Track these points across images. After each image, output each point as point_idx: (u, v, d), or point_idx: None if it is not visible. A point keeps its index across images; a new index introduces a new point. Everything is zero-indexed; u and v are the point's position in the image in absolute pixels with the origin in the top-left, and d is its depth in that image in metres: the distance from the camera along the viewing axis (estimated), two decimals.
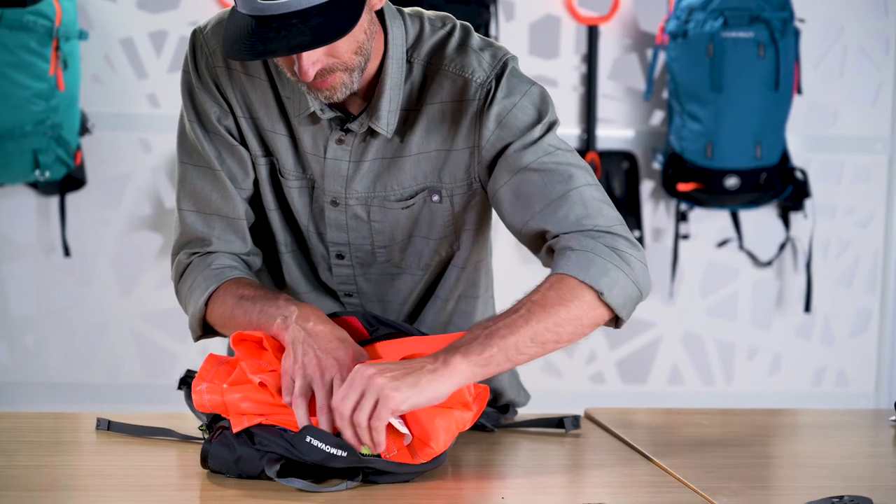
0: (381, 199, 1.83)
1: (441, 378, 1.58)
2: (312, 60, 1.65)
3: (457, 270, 1.92)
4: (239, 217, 1.86)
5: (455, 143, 1.79)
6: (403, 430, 1.60)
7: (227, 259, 1.86)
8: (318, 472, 1.59)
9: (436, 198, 1.82)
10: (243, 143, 1.85)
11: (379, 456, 1.59)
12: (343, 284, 1.92)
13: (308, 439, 1.57)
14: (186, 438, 1.81)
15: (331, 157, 1.81)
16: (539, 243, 1.78)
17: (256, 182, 1.88)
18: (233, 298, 1.78)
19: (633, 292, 1.73)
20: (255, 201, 1.90)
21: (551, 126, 1.80)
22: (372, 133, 1.79)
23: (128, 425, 1.86)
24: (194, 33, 1.83)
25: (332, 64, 1.67)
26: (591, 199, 1.75)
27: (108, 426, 1.86)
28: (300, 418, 1.61)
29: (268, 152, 1.85)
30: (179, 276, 1.88)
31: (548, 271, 1.73)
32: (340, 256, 1.89)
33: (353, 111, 1.80)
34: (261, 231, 1.92)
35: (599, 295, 1.68)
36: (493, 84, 1.77)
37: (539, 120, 1.78)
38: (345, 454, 1.56)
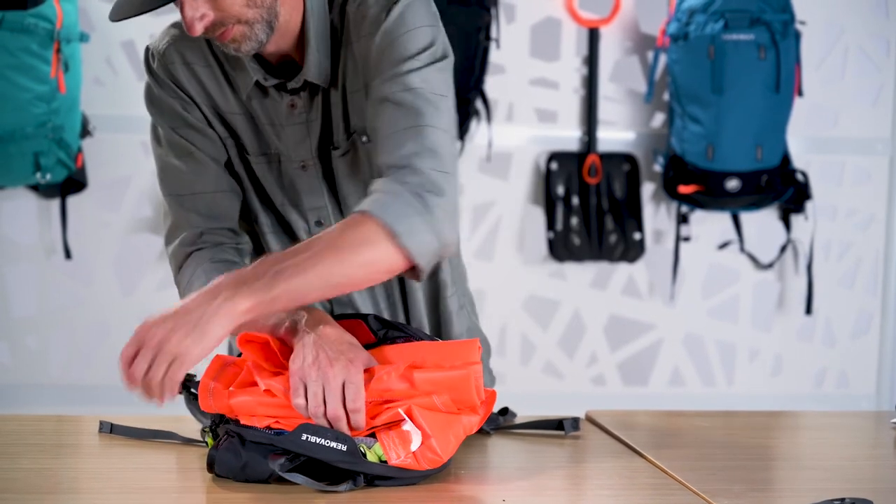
0: (335, 149, 1.86)
1: (224, 317, 1.56)
2: (197, 16, 1.69)
3: None
4: (223, 189, 1.88)
5: (365, 80, 1.79)
6: (417, 434, 1.60)
7: (227, 253, 1.86)
8: (322, 475, 1.59)
9: (364, 139, 1.83)
10: (211, 129, 1.89)
11: (385, 462, 1.59)
12: None
13: (304, 437, 1.57)
14: (189, 441, 1.81)
15: (288, 123, 1.85)
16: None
17: (232, 164, 1.91)
18: None
19: (431, 242, 1.65)
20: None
21: (431, 63, 1.73)
22: (314, 89, 1.82)
23: (130, 428, 1.86)
24: (146, 49, 1.92)
25: (221, 17, 1.71)
26: (428, 137, 1.68)
27: (110, 429, 1.87)
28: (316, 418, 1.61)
29: (232, 135, 1.89)
30: (178, 267, 1.88)
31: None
32: (320, 223, 1.91)
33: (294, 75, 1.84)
34: (244, 216, 1.96)
35: (396, 239, 1.62)
36: (384, 16, 1.75)
37: (416, 56, 1.72)
38: (344, 447, 1.56)
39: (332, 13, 1.82)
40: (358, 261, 1.62)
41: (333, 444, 1.57)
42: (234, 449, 1.60)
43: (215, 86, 1.87)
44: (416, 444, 1.60)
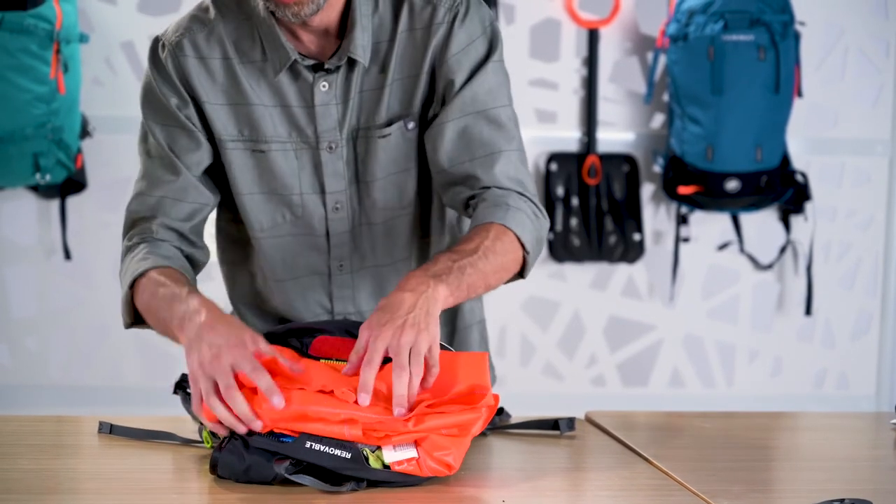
0: (364, 131, 1.89)
1: (438, 301, 1.66)
2: None
3: (438, 213, 1.98)
4: (184, 199, 1.89)
5: (423, 68, 1.87)
6: (412, 453, 1.61)
7: (164, 248, 1.87)
8: (325, 475, 1.59)
9: (411, 125, 1.89)
10: (207, 129, 1.90)
11: (388, 467, 1.59)
12: (338, 247, 1.94)
13: (308, 444, 1.57)
14: (188, 442, 1.81)
15: (319, 103, 1.87)
16: (459, 186, 1.86)
17: (215, 170, 1.92)
18: (151, 288, 1.79)
19: (538, 255, 1.87)
20: (227, 197, 1.95)
21: (502, 68, 1.90)
22: (351, 69, 1.86)
23: (130, 429, 1.86)
24: (155, 39, 1.91)
25: None
26: (520, 163, 1.89)
27: (110, 430, 1.87)
28: (222, 416, 1.60)
29: (247, 128, 1.89)
30: (121, 261, 1.90)
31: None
32: (337, 209, 1.92)
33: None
34: (231, 232, 1.99)
35: (525, 255, 1.82)
36: (461, 9, 1.87)
37: (489, 55, 1.87)
38: (349, 455, 1.57)
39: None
40: (505, 266, 1.79)
41: (337, 452, 1.57)
42: (237, 451, 1.60)
43: (231, 79, 1.87)
44: (418, 454, 1.60)
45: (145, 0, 3.65)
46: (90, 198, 3.64)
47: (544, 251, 3.80)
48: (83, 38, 3.49)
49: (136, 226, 1.91)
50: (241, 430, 1.60)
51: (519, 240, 1.80)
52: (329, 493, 1.56)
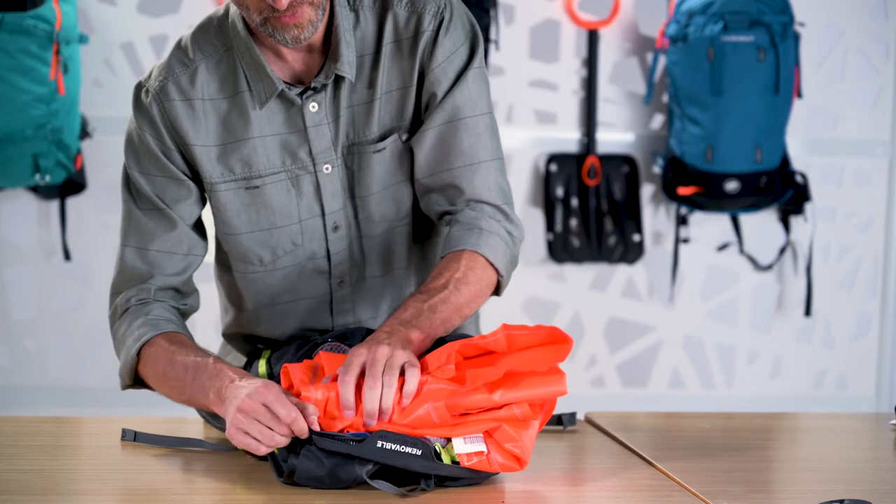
0: (357, 146, 1.87)
1: (412, 342, 1.68)
2: None
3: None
4: (181, 251, 1.88)
5: (412, 79, 1.86)
6: (482, 447, 1.62)
7: (164, 311, 1.87)
8: (395, 476, 1.59)
9: (404, 136, 1.88)
10: (195, 173, 1.87)
11: (458, 463, 1.61)
12: (339, 265, 1.92)
13: (379, 444, 1.57)
14: (217, 449, 1.79)
15: (311, 124, 1.84)
16: (436, 194, 1.88)
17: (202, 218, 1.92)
18: (165, 355, 1.80)
19: (512, 272, 1.90)
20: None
21: (482, 74, 1.89)
22: (337, 85, 1.84)
23: (155, 436, 1.84)
24: (137, 85, 1.88)
25: None
26: (499, 172, 1.90)
27: (134, 437, 1.84)
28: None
29: (234, 172, 1.86)
30: (116, 319, 1.91)
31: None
32: (336, 228, 1.90)
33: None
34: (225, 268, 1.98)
35: (499, 277, 1.86)
36: (445, 16, 1.85)
37: (470, 61, 1.86)
38: (419, 452, 1.57)
39: (362, 8, 1.84)
40: (479, 293, 1.82)
41: (408, 450, 1.57)
42: (315, 457, 1.58)
43: (218, 118, 1.84)
44: (487, 449, 1.62)
45: (145, 1, 3.65)
46: (90, 199, 3.64)
47: (544, 251, 3.81)
48: (83, 39, 3.49)
49: (133, 283, 1.91)
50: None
51: (492, 265, 1.83)
52: (406, 496, 1.57)
